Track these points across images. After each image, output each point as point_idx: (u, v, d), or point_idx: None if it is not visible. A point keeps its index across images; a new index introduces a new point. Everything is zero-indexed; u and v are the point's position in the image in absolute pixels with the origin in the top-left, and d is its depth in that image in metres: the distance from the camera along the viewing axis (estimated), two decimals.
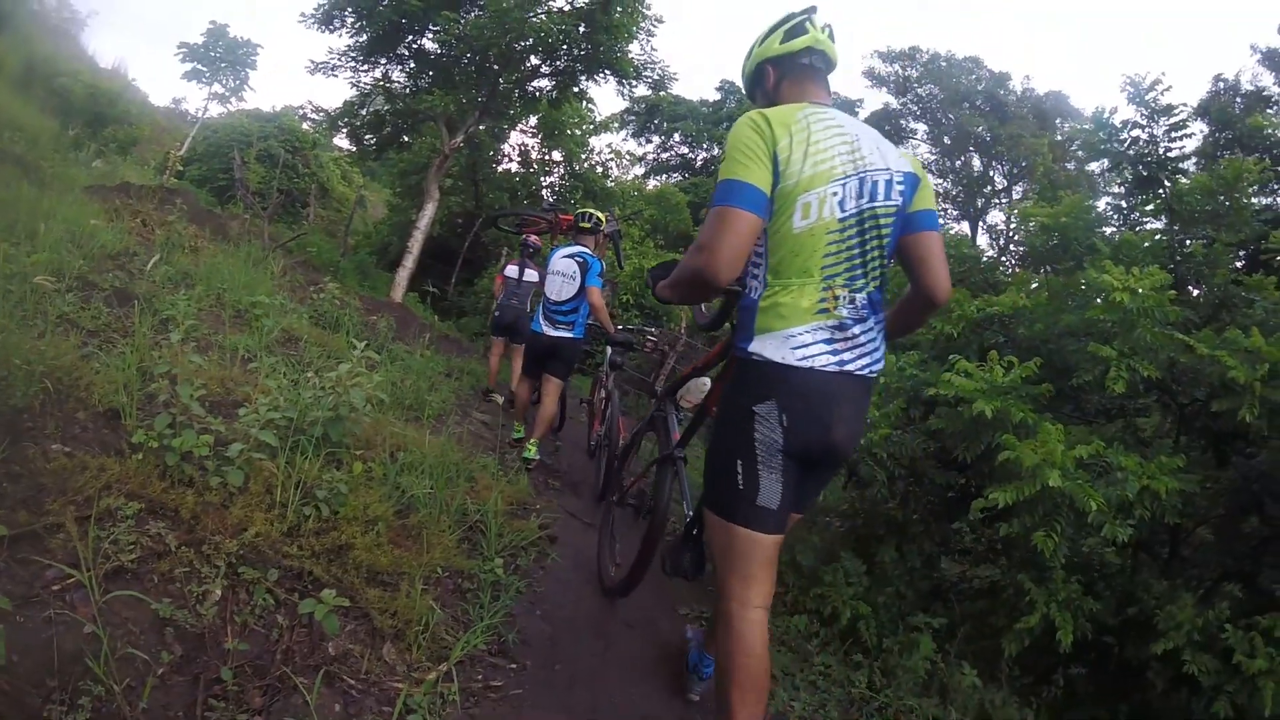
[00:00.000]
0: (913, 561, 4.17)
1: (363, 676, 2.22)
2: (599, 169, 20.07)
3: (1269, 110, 13.97)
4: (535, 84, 14.35)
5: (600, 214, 6.10)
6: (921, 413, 4.22)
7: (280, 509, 2.65)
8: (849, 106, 32.03)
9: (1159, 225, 4.90)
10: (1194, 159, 9.41)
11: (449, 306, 16.60)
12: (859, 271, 2.03)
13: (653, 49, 13.60)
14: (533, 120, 18.39)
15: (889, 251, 2.09)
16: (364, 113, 15.15)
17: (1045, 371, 3.66)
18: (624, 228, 13.49)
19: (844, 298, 2.00)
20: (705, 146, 28.93)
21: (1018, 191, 27.78)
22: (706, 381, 3.20)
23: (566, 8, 12.51)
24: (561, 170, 19.76)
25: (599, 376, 6.45)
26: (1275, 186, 9.66)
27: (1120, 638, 3.80)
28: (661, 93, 20.03)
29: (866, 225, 2.02)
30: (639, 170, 28.78)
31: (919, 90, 28.96)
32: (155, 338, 3.64)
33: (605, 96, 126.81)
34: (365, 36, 13.29)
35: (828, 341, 1.98)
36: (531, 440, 5.46)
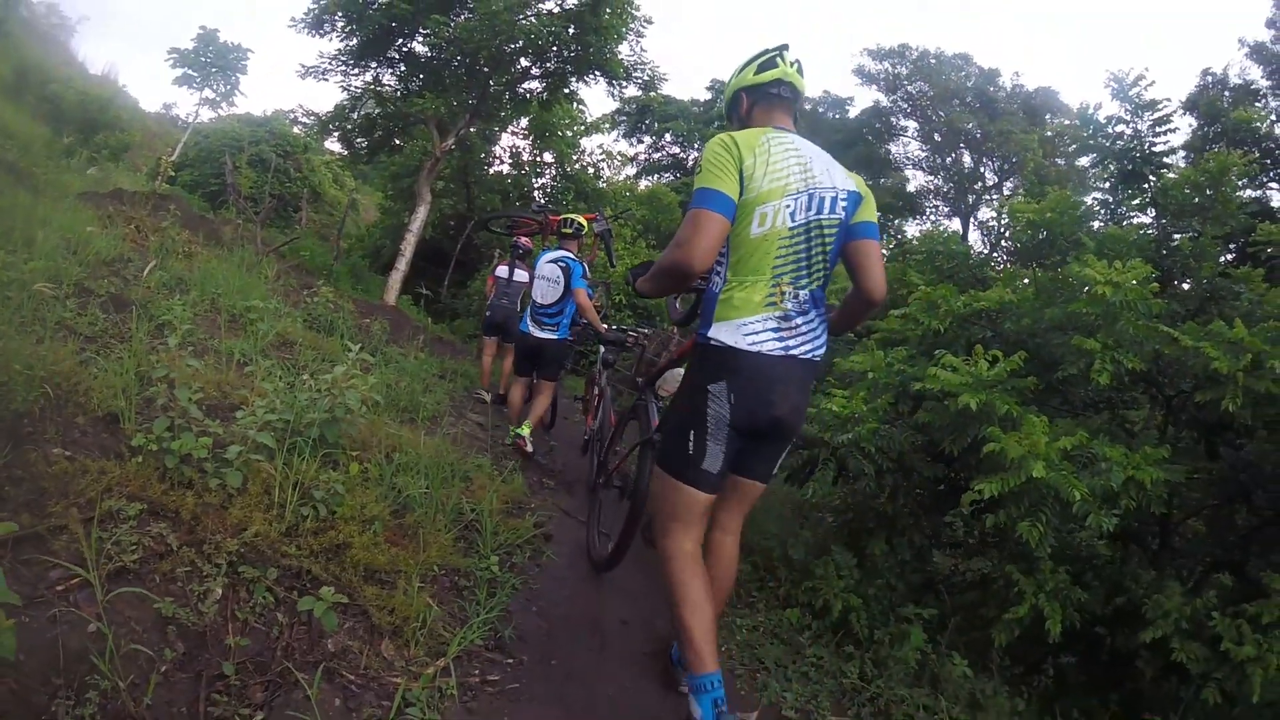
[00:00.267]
0: (903, 554, 4.21)
1: (362, 672, 2.27)
2: (590, 170, 20.11)
3: (1256, 104, 14.05)
4: (526, 86, 14.38)
5: (582, 219, 6.35)
6: (910, 407, 4.25)
7: (278, 509, 2.69)
8: (840, 104, 32.16)
9: (1146, 219, 4.95)
10: (1183, 153, 9.49)
11: (442, 309, 16.61)
12: (804, 272, 2.40)
13: (642, 50, 13.64)
14: (524, 122, 18.45)
15: (832, 257, 2.45)
16: (355, 116, 15.15)
17: (1032, 365, 3.70)
18: (615, 228, 13.50)
19: (789, 293, 2.37)
20: (697, 146, 28.88)
21: (1008, 187, 27.84)
22: (682, 372, 3.32)
23: (556, 10, 12.54)
24: (553, 171, 19.80)
25: (592, 374, 6.66)
26: (1262, 179, 9.75)
27: (1110, 627, 3.83)
28: (652, 93, 20.04)
29: (813, 234, 2.38)
30: (630, 171, 28.83)
31: (909, 88, 28.98)
32: (152, 342, 3.68)
33: (596, 97, 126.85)
34: (355, 40, 13.30)
35: (774, 330, 2.35)
36: (526, 421, 5.74)
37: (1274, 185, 10.41)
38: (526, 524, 3.89)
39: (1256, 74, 15.05)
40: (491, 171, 19.78)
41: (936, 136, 28.99)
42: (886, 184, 31.11)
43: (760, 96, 2.62)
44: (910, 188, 31.10)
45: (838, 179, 2.44)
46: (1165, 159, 4.73)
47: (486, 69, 13.05)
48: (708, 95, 29.42)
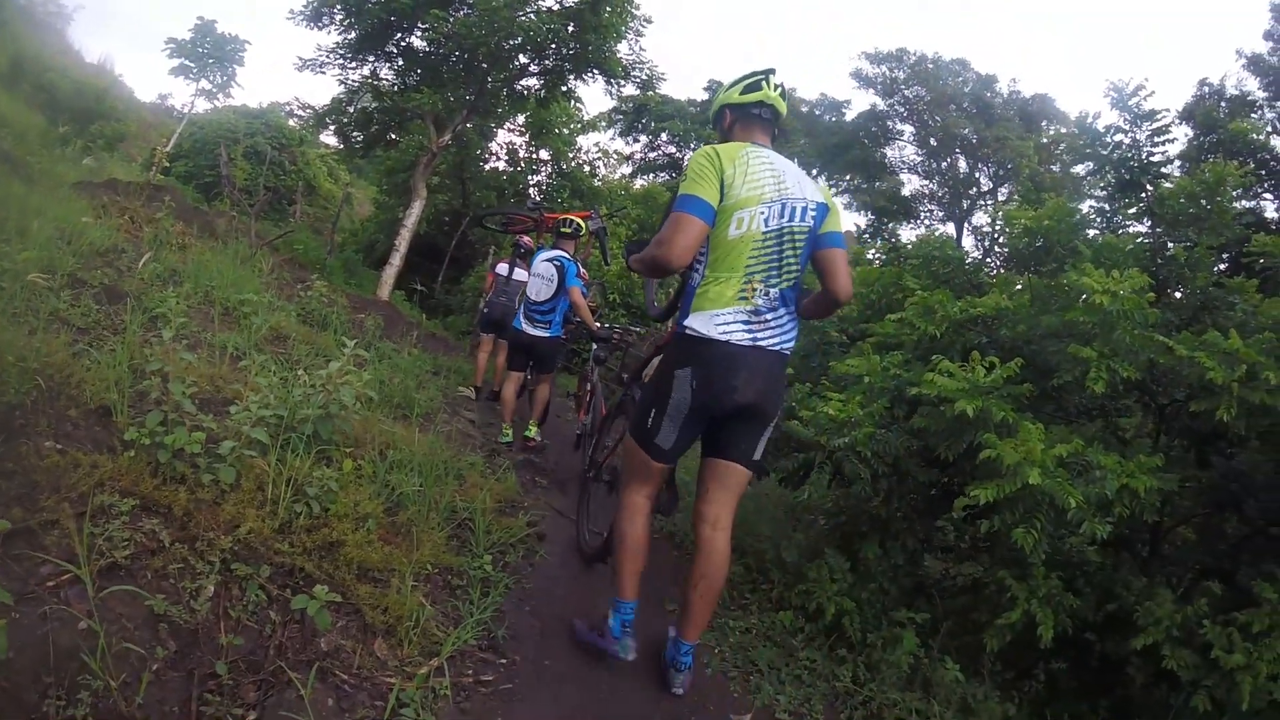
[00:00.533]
0: (896, 558, 4.21)
1: (355, 671, 2.25)
2: (586, 168, 20.08)
3: (1253, 115, 14.09)
4: (523, 83, 14.30)
5: (580, 220, 6.54)
6: (905, 411, 4.25)
7: (272, 506, 2.67)
8: (836, 107, 32.18)
9: (1142, 228, 4.96)
10: (1178, 163, 9.51)
11: (435, 305, 16.56)
12: (775, 272, 2.68)
13: (641, 49, 13.58)
14: (520, 119, 18.39)
15: (802, 260, 2.74)
16: (352, 110, 15.05)
17: (1027, 372, 3.70)
18: (610, 226, 13.48)
19: (760, 290, 2.66)
20: (693, 146, 28.80)
21: (1003, 193, 27.89)
22: None
23: (555, 7, 12.47)
24: (549, 169, 19.75)
25: (585, 371, 6.80)
26: (1257, 190, 9.79)
27: (1100, 633, 3.85)
28: (649, 92, 20.02)
29: (784, 239, 2.67)
30: (626, 169, 28.76)
31: (906, 92, 28.99)
32: (145, 335, 3.65)
33: (593, 96, 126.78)
34: (354, 34, 13.19)
35: (745, 323, 2.63)
36: (532, 421, 6.14)
37: (1268, 196, 10.46)
38: (519, 523, 3.89)
39: (1253, 85, 15.09)
40: (487, 168, 19.71)
41: (932, 141, 29.02)
42: (881, 187, 31.17)
43: (742, 115, 2.91)
44: (905, 191, 31.14)
45: (808, 191, 2.73)
46: (1163, 169, 4.75)
47: (485, 65, 12.99)
48: (705, 95, 29.35)
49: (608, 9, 12.14)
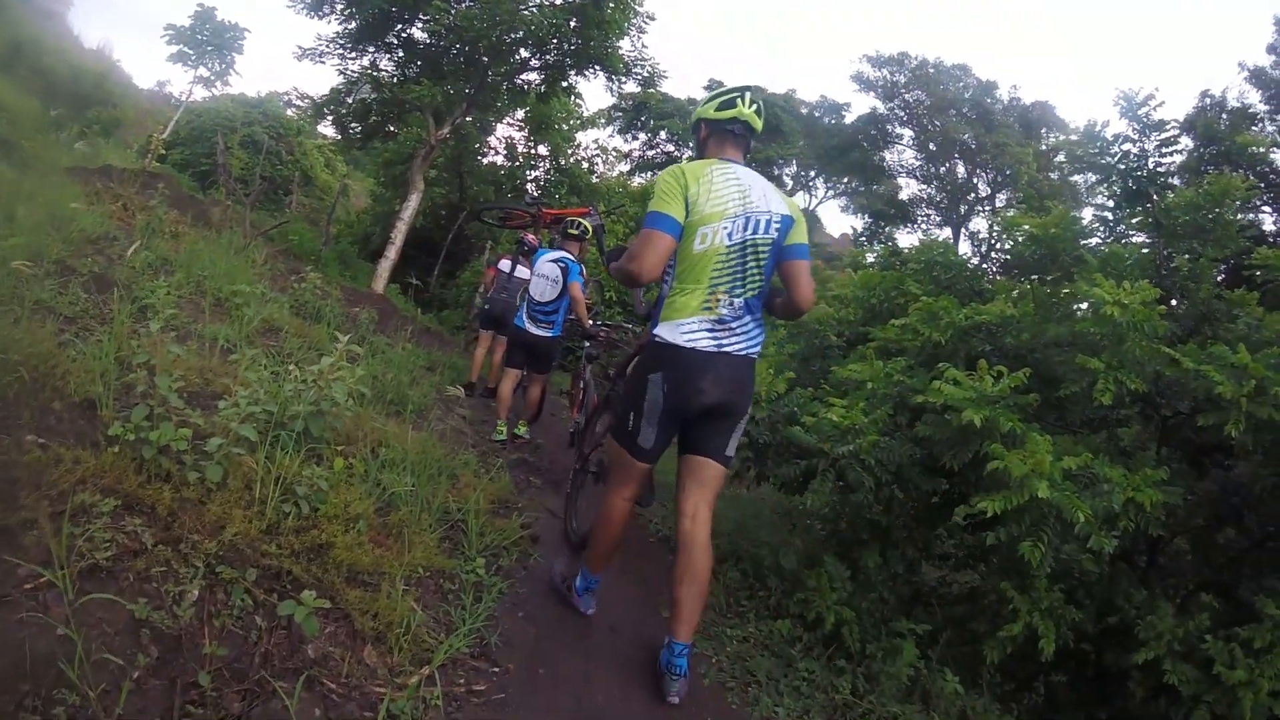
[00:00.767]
0: (895, 566, 4.16)
1: (344, 681, 2.17)
2: (585, 164, 19.97)
3: (1254, 128, 14.09)
4: (524, 77, 14.22)
5: (586, 223, 6.55)
6: (909, 419, 4.21)
7: (259, 506, 2.58)
8: (836, 110, 32.19)
9: (1145, 239, 4.92)
10: (1179, 174, 9.48)
11: (430, 299, 16.46)
12: (739, 283, 2.83)
13: (643, 46, 13.50)
14: (520, 114, 18.31)
15: (767, 270, 2.88)
16: (350, 101, 14.94)
17: (1031, 381, 3.66)
18: (608, 224, 13.41)
19: (725, 301, 2.80)
20: (691, 145, 28.71)
21: (1001, 199, 27.94)
22: None
23: (558, 2, 12.40)
24: (547, 165, 19.64)
25: (578, 369, 6.82)
26: (1259, 203, 9.77)
27: (1099, 646, 3.82)
28: (650, 90, 19.93)
29: (748, 251, 2.81)
30: (625, 167, 28.65)
31: (906, 96, 29.04)
32: (134, 326, 3.55)
33: (593, 92, 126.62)
34: (354, 23, 13.09)
35: (710, 331, 2.78)
36: (522, 421, 6.32)
37: (1266, 209, 10.43)
38: (513, 525, 3.80)
39: (1255, 98, 15.11)
40: (485, 162, 19.61)
41: (931, 146, 29.08)
42: (880, 191, 31.20)
43: (715, 130, 3.04)
44: (903, 195, 31.24)
45: (774, 204, 2.86)
46: (1169, 179, 4.71)
47: (485, 58, 12.90)
48: (704, 95, 29.28)
49: (611, 5, 12.07)
